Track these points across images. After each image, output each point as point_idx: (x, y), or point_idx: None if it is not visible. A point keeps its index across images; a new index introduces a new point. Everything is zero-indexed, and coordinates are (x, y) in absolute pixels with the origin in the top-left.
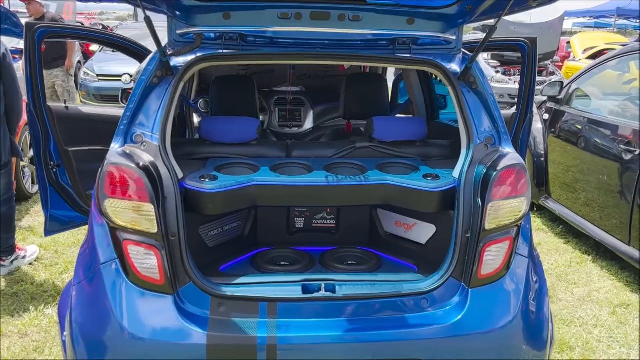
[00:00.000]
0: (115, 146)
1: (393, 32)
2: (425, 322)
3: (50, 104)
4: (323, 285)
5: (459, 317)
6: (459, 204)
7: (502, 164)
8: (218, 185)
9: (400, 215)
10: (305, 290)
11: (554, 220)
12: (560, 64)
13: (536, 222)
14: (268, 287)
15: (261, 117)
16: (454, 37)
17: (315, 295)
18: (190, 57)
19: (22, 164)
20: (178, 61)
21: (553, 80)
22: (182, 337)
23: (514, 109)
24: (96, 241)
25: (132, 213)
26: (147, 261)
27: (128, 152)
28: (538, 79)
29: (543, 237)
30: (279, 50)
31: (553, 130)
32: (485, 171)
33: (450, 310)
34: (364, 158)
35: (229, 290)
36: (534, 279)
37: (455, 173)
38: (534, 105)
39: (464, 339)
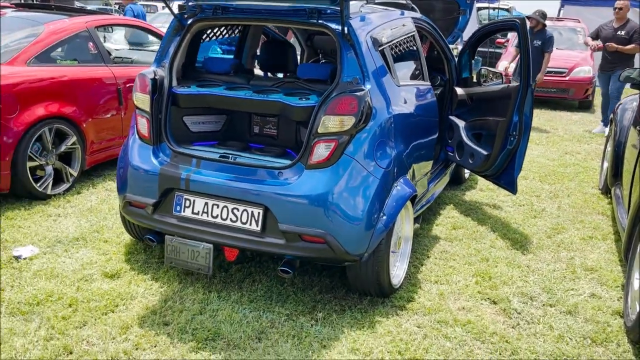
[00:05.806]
0: (151, 67)
1: (303, 5)
2: (275, 183)
3: None
4: (231, 157)
5: (293, 184)
6: (313, 115)
7: (345, 92)
8: (185, 91)
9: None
10: (222, 156)
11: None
12: None
13: (606, 207)
14: (204, 152)
15: None
16: (338, 8)
17: (221, 159)
18: (193, 19)
19: (34, 163)
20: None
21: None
22: (151, 168)
23: (517, 82)
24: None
25: (137, 100)
26: (142, 126)
27: (152, 70)
28: None
29: (597, 219)
30: (243, 16)
31: (635, 120)
32: (332, 95)
33: (292, 179)
34: (289, 87)
35: (181, 149)
36: (370, 180)
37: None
38: None
39: (293, 197)
